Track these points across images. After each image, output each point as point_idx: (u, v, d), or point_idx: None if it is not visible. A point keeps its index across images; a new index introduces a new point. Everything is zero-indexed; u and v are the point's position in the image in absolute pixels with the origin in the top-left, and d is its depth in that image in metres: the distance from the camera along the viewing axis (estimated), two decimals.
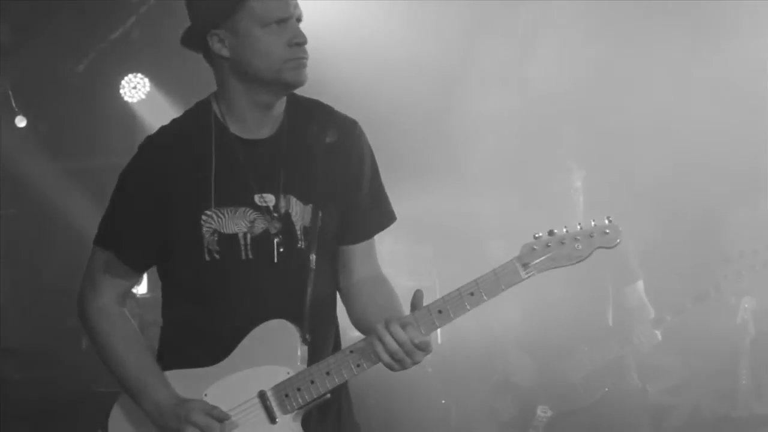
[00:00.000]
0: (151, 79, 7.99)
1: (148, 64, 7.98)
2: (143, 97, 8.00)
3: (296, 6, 3.09)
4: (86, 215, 7.96)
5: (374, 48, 6.73)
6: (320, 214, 3.11)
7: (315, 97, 3.27)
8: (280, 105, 3.16)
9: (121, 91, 8.00)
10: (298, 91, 3.21)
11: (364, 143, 3.23)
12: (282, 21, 3.04)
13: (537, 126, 6.47)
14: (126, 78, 7.99)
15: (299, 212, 3.12)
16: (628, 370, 5.58)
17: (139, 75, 7.99)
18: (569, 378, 5.50)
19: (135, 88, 7.99)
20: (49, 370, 7.14)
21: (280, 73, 3.05)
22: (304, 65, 3.08)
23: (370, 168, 3.23)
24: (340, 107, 3.29)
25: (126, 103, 8.04)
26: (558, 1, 6.55)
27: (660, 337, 5.45)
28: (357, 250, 3.22)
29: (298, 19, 3.10)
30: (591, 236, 2.98)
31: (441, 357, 6.02)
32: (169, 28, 7.32)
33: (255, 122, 3.13)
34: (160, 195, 3.10)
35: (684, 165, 6.32)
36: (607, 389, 5.49)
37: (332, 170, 3.15)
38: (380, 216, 3.26)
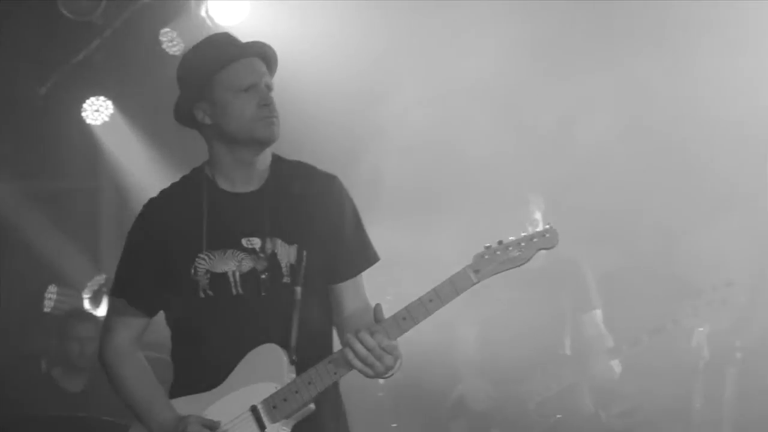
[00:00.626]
0: (114, 102, 7.99)
1: (112, 88, 7.98)
2: (106, 119, 7.99)
3: (264, 74, 3.55)
4: (47, 238, 7.95)
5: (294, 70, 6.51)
6: (305, 253, 3.51)
7: None
8: (264, 163, 3.58)
9: (84, 113, 8.00)
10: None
11: (344, 196, 3.64)
12: (251, 87, 3.50)
13: (491, 154, 6.38)
14: (89, 101, 7.99)
15: (284, 252, 3.52)
16: (581, 396, 5.64)
17: (102, 98, 7.99)
18: (524, 404, 5.56)
19: (98, 110, 7.98)
20: (8, 393, 7.09)
21: (253, 131, 3.50)
22: (273, 123, 3.52)
23: (351, 217, 3.63)
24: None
25: (88, 126, 8.04)
26: (500, 14, 6.41)
27: (618, 369, 5.54)
28: (345, 287, 3.62)
29: (268, 86, 3.55)
30: (532, 240, 3.41)
31: (393, 381, 5.95)
32: (134, 52, 7.40)
33: (241, 178, 3.57)
34: (160, 246, 3.55)
35: (643, 191, 6.38)
36: (559, 416, 5.55)
37: (315, 220, 3.56)
38: (363, 258, 3.65)
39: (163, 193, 3.67)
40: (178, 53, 6.85)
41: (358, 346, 3.32)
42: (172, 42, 6.87)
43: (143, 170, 7.69)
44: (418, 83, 6.65)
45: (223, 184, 3.57)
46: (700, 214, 6.43)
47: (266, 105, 3.49)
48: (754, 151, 6.34)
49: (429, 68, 6.71)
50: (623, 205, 6.42)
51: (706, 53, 6.30)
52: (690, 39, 6.38)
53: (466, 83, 6.53)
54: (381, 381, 5.84)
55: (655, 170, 6.37)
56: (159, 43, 6.95)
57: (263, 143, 3.53)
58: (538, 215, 5.70)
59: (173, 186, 3.68)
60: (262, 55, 3.58)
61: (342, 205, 3.62)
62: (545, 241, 3.40)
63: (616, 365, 5.55)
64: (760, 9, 6.29)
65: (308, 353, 3.47)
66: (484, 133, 6.48)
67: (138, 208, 3.67)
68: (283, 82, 3.75)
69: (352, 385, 3.82)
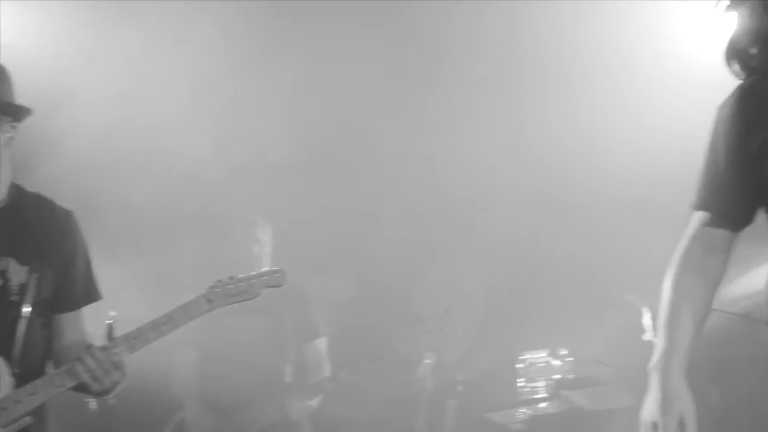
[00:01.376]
0: None
1: None
2: None
3: None
4: None
5: None
6: (35, 276, 3.58)
7: None
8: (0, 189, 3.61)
9: None
10: None
11: (76, 231, 3.74)
12: None
13: (223, 175, 6.12)
14: None
15: (16, 271, 3.57)
16: (303, 425, 5.70)
17: None
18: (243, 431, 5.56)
19: None
20: None
21: None
22: None
23: (82, 251, 3.74)
24: None
25: None
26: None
27: (315, 404, 5.65)
28: (66, 318, 3.72)
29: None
30: (262, 277, 3.81)
31: (108, 406, 5.77)
32: None
33: None
34: None
35: (382, 218, 6.43)
36: None
37: (48, 249, 3.64)
38: (88, 293, 3.78)
39: None
40: None
41: (88, 359, 3.50)
42: None
43: None
44: (111, 82, 6.08)
45: None
46: (439, 243, 6.61)
47: None
48: (487, 181, 6.45)
49: (123, 66, 6.11)
50: (361, 233, 6.43)
51: (443, 75, 6.37)
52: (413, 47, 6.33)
53: (172, 83, 6.02)
54: (93, 407, 5.72)
55: (396, 197, 6.45)
56: None
57: None
58: (264, 236, 5.75)
59: None
60: None
61: (75, 240, 3.74)
62: (273, 279, 3.82)
63: (310, 405, 5.64)
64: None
65: (29, 369, 3.55)
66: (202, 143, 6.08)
67: None
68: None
69: (62, 410, 3.83)
